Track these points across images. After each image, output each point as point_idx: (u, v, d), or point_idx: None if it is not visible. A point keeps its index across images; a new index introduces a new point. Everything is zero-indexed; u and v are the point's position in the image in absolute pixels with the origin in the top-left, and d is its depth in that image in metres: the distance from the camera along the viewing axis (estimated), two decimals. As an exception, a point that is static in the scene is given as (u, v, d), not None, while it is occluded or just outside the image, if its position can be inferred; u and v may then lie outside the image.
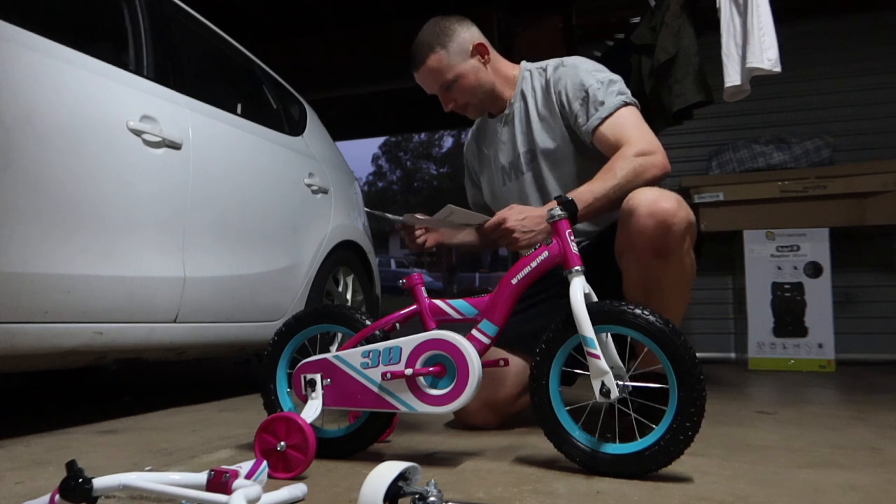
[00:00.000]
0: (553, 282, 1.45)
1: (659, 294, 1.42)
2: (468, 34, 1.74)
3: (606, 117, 1.59)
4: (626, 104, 1.60)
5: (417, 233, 1.71)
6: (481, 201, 2.01)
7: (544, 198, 1.76)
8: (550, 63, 1.76)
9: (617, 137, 1.56)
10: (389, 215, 1.56)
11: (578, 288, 1.21)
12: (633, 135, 1.55)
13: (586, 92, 1.63)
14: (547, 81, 1.73)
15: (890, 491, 1.12)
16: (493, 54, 1.79)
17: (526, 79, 1.80)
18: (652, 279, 1.42)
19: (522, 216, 1.45)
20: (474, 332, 1.29)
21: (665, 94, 3.05)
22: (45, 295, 1.58)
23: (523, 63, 1.84)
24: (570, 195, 1.36)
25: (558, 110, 1.70)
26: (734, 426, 1.79)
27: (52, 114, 1.62)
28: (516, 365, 1.65)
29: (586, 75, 1.65)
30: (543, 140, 1.74)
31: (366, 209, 1.57)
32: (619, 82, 1.65)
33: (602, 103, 1.60)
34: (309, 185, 2.77)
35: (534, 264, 1.27)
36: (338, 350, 1.35)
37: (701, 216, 3.93)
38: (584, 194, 1.43)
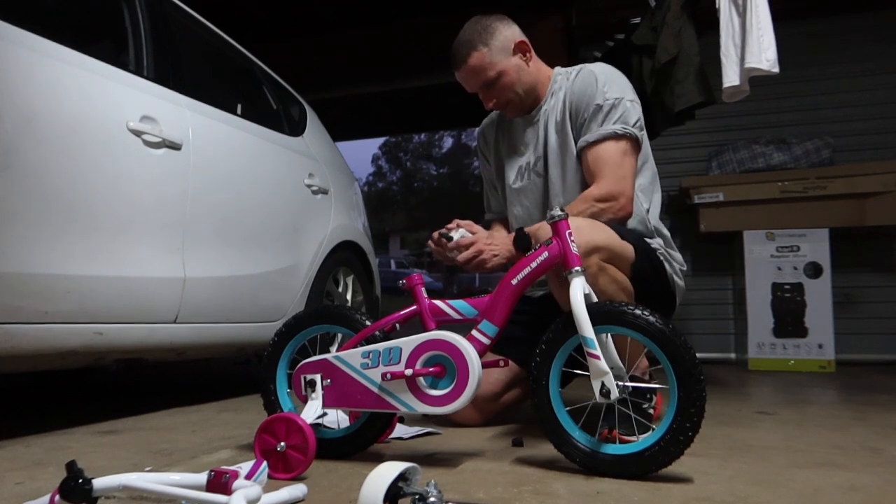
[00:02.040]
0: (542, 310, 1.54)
1: None
2: (510, 32, 1.74)
3: (592, 144, 1.65)
4: (615, 136, 1.63)
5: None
6: (501, 201, 1.97)
7: (551, 202, 1.77)
8: (575, 69, 1.77)
9: (591, 170, 1.65)
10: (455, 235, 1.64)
11: (578, 288, 1.21)
12: (605, 174, 1.62)
13: (590, 109, 1.66)
14: (569, 88, 1.74)
15: (890, 491, 1.12)
16: (533, 54, 1.79)
17: (556, 82, 1.80)
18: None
19: (490, 240, 1.60)
20: (474, 332, 1.29)
21: (666, 95, 3.05)
22: (45, 295, 1.58)
23: (557, 68, 1.85)
24: (527, 230, 1.44)
25: (569, 118, 1.72)
26: (734, 426, 1.79)
27: (52, 114, 1.62)
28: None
29: (597, 91, 1.67)
30: (557, 145, 1.75)
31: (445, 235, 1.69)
32: (621, 106, 1.65)
33: (596, 126, 1.65)
34: (309, 186, 2.77)
35: (534, 265, 1.28)
36: (338, 350, 1.35)
37: (701, 216, 3.94)
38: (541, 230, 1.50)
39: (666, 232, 1.79)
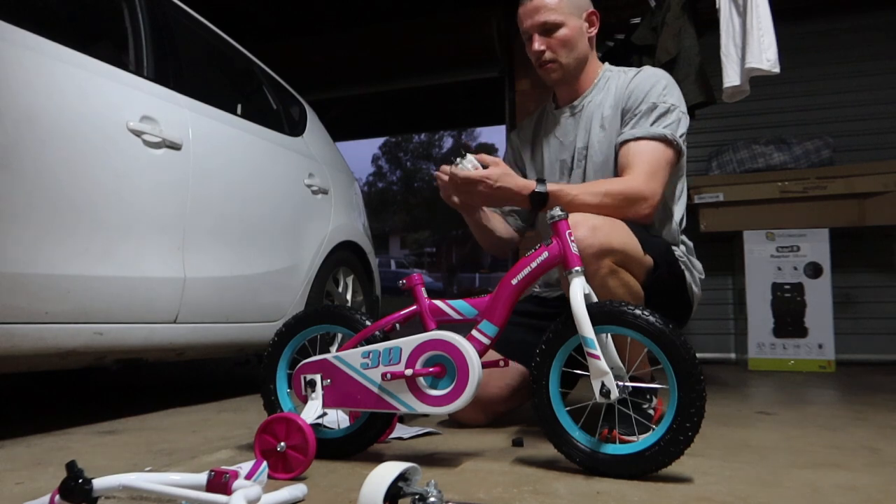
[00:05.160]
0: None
1: None
2: (587, 0, 1.75)
3: (636, 139, 1.59)
4: (663, 139, 1.58)
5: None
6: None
7: None
8: (634, 69, 1.74)
9: (627, 161, 1.58)
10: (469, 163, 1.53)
11: (578, 288, 1.21)
12: (640, 171, 1.55)
13: (644, 105, 1.62)
14: (626, 83, 1.69)
15: (890, 491, 1.12)
16: (595, 36, 1.77)
17: (606, 77, 1.75)
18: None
19: (499, 181, 1.52)
20: (474, 332, 1.29)
21: (665, 95, 3.05)
22: (45, 295, 1.58)
23: (606, 64, 1.81)
24: (550, 189, 1.50)
25: (621, 112, 1.67)
26: (734, 426, 1.79)
27: (52, 114, 1.62)
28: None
29: (655, 91, 1.63)
30: (599, 140, 1.69)
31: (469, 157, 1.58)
32: (675, 114, 1.61)
33: (646, 123, 1.60)
34: (309, 186, 2.77)
35: (534, 265, 1.28)
36: (338, 351, 1.35)
37: (701, 216, 3.94)
38: (557, 186, 1.54)
39: (689, 241, 1.80)
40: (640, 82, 1.66)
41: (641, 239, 1.48)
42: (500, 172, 1.52)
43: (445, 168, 1.57)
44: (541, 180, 1.53)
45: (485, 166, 1.53)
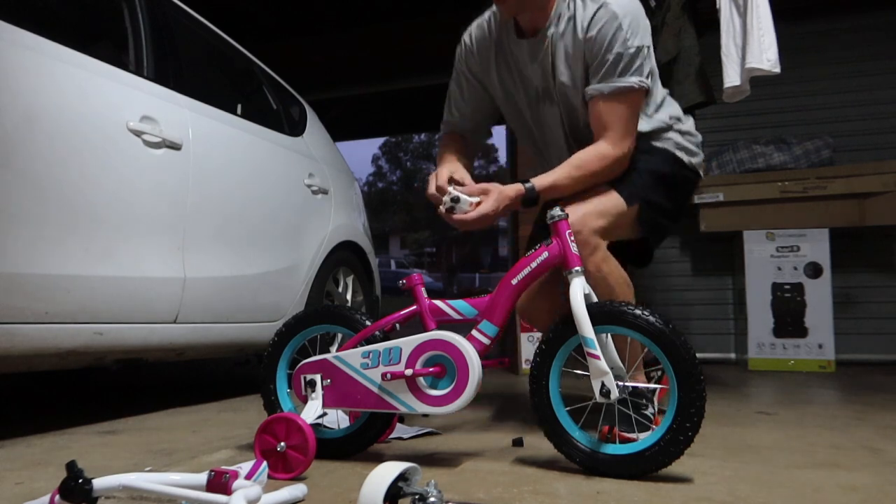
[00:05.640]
0: None
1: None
2: None
3: (607, 97, 1.59)
4: (631, 90, 1.58)
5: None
6: (468, 116, 1.87)
7: (566, 132, 1.74)
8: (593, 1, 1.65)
9: (601, 124, 1.61)
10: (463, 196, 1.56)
11: (578, 288, 1.21)
12: (614, 137, 1.60)
13: (609, 55, 1.58)
14: (586, 23, 1.62)
15: (890, 491, 1.12)
16: None
17: (565, 7, 1.66)
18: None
19: (496, 204, 1.54)
20: (474, 332, 1.29)
21: (665, 95, 3.05)
22: (45, 295, 1.58)
23: None
24: (536, 184, 1.54)
25: (583, 59, 1.64)
26: (734, 426, 1.79)
27: (52, 114, 1.62)
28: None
29: (618, 39, 1.59)
30: (569, 80, 1.66)
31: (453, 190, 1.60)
32: (640, 56, 1.60)
33: (613, 75, 1.58)
34: (309, 186, 2.77)
35: (534, 265, 1.28)
36: (338, 351, 1.35)
37: (701, 216, 3.94)
38: (546, 181, 1.57)
39: (677, 111, 1.80)
40: (601, 29, 1.60)
41: (615, 188, 1.61)
42: (495, 199, 1.53)
43: (451, 217, 1.57)
44: (524, 181, 1.56)
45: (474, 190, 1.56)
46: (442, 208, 1.57)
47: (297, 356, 1.43)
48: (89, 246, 1.70)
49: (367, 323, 1.39)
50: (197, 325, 2.09)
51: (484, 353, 1.28)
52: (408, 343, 1.27)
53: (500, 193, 1.53)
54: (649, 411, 1.49)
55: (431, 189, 1.64)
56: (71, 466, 0.91)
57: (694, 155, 1.77)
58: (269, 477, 1.16)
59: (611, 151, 1.59)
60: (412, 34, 5.00)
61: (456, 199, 1.54)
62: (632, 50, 1.59)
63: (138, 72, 1.98)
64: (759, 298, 3.78)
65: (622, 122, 1.60)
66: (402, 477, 0.92)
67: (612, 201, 1.60)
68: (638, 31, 1.62)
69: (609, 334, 1.22)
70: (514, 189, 1.54)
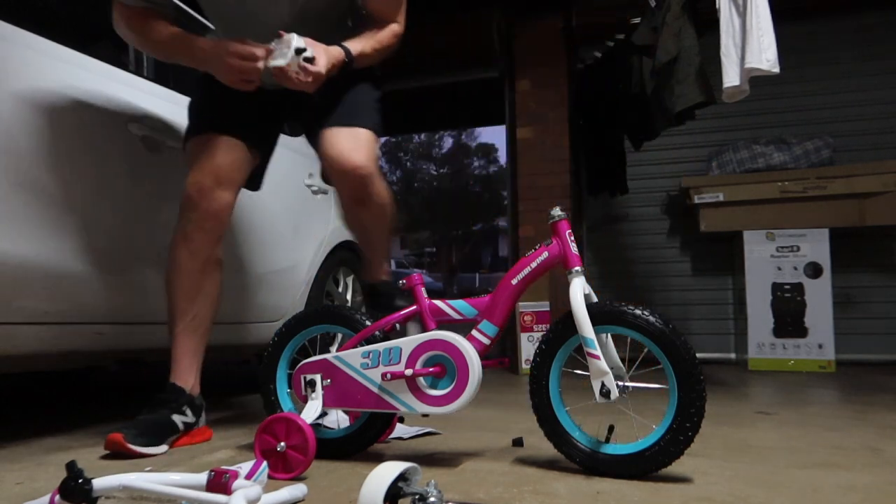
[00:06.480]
0: None
1: (364, 234, 1.82)
2: None
3: None
4: None
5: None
6: None
7: (297, 12, 1.66)
8: None
9: (386, 11, 1.80)
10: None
11: (578, 288, 1.21)
12: (399, 11, 1.82)
13: None
14: None
15: (890, 491, 1.12)
16: None
17: None
18: (357, 221, 1.79)
19: (332, 58, 1.60)
20: (474, 332, 1.29)
21: (667, 95, 3.05)
22: (45, 295, 1.58)
23: None
24: (348, 46, 1.65)
25: None
26: (734, 426, 1.79)
27: (51, 114, 1.62)
28: None
29: None
30: None
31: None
32: None
33: None
34: (309, 186, 2.77)
35: (534, 265, 1.28)
36: (338, 351, 1.35)
37: (701, 216, 3.94)
38: (356, 48, 1.70)
39: None
40: None
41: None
42: (324, 50, 1.57)
43: (308, 70, 1.50)
44: (343, 46, 1.65)
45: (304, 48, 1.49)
46: (291, 67, 1.46)
47: (297, 356, 1.43)
48: (89, 246, 1.69)
49: (367, 323, 1.39)
50: (197, 325, 2.08)
51: (484, 353, 1.28)
52: (408, 343, 1.27)
53: (326, 48, 1.58)
54: None
55: (255, 60, 1.51)
56: (71, 466, 0.91)
57: None
58: (269, 477, 1.16)
59: (399, 29, 1.84)
60: (412, 34, 4.99)
61: (303, 48, 1.41)
62: None
63: (138, 71, 1.98)
64: (759, 298, 3.78)
65: (401, 4, 1.82)
66: (402, 477, 0.92)
67: (371, 136, 1.81)
68: None
69: (609, 334, 1.22)
70: (338, 50, 1.63)
